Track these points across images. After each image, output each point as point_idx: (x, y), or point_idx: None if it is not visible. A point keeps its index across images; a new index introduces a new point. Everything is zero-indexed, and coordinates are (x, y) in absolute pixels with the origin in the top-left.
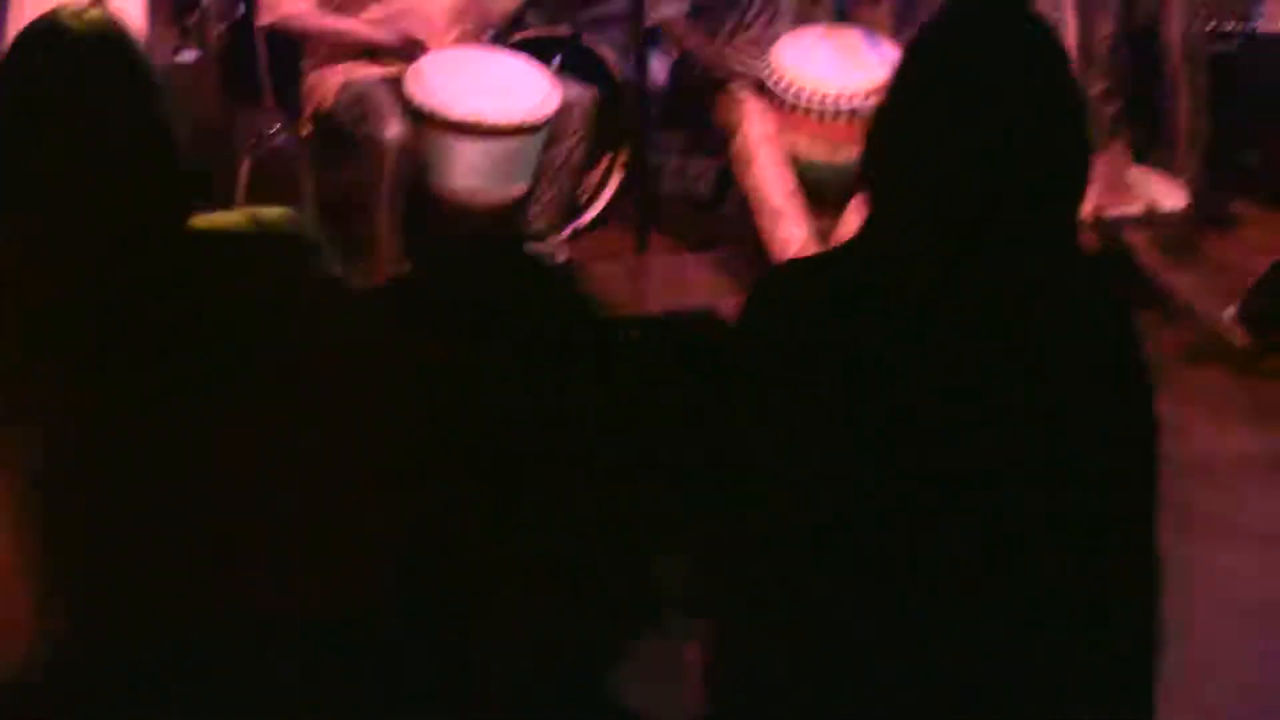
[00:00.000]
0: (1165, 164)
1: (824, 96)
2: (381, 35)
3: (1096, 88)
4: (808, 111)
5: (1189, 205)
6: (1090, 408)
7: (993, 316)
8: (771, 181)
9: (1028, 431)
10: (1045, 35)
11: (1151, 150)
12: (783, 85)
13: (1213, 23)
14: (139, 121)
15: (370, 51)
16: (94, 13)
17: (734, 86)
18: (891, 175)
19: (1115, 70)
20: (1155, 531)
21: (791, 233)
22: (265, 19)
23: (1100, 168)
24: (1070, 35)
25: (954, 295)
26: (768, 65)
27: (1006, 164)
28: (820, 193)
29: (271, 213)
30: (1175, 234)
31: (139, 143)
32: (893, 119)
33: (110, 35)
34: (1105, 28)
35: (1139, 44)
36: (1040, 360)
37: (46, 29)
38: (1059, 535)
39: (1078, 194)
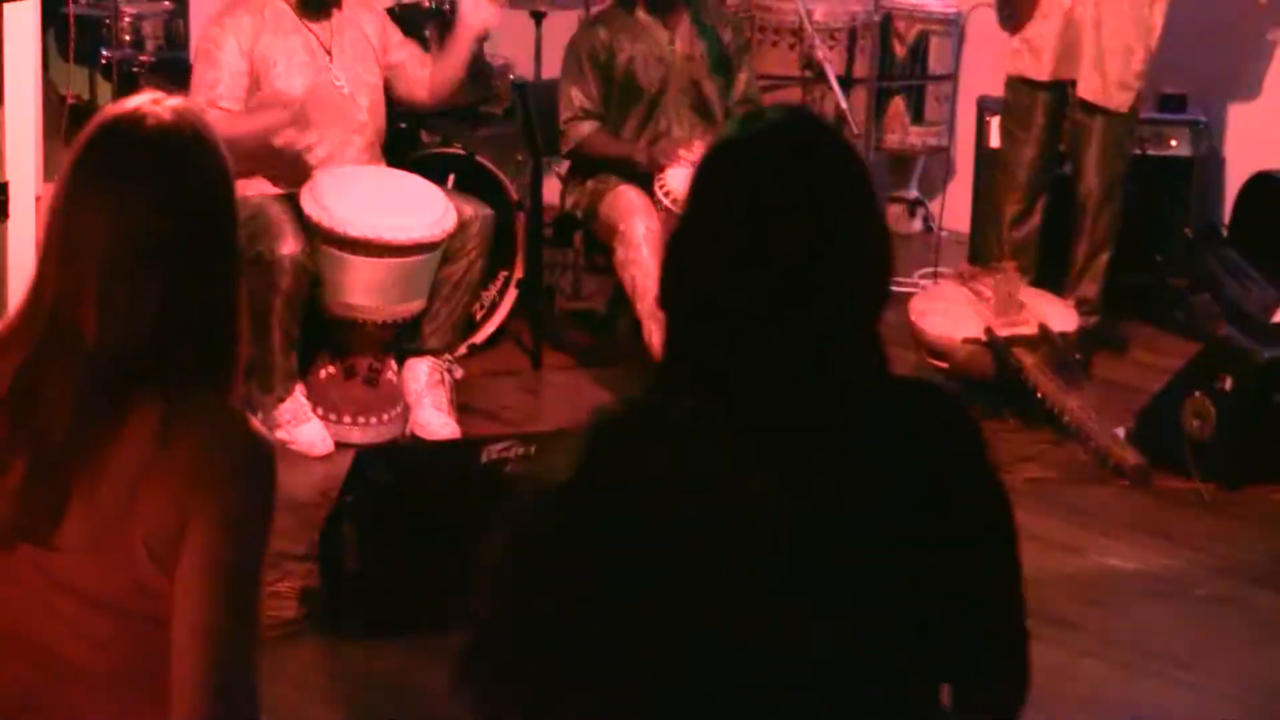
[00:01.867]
0: (1060, 285)
1: None
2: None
3: (1011, 210)
4: None
5: (1080, 326)
6: (937, 504)
7: (808, 435)
8: (654, 279)
9: (875, 545)
10: (838, 151)
11: (1048, 271)
12: (672, 198)
13: (1131, 154)
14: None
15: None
16: (174, 103)
17: (623, 188)
18: (685, 298)
19: (1031, 194)
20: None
21: None
22: None
23: (994, 288)
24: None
25: (765, 418)
26: (660, 181)
27: (798, 281)
28: None
29: None
30: (1067, 354)
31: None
32: (683, 240)
33: (190, 126)
34: (1029, 152)
35: (1055, 168)
36: (875, 474)
37: (128, 114)
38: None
39: (874, 310)
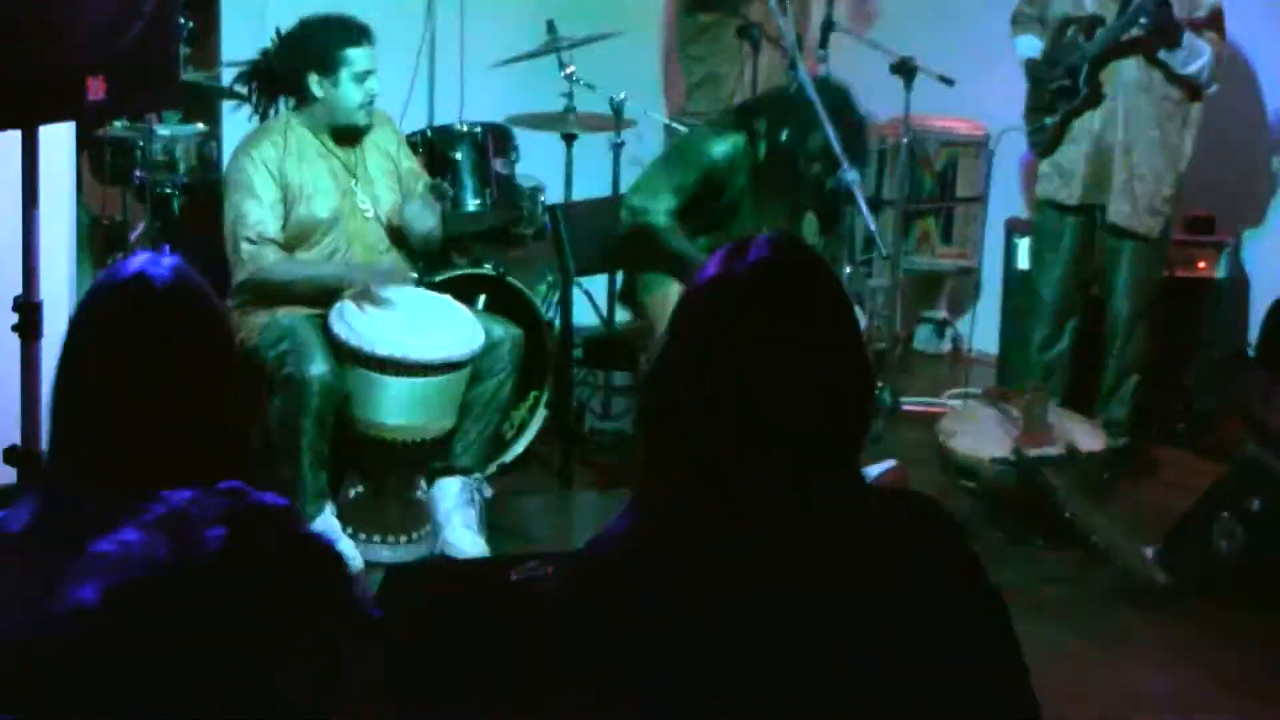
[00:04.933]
0: (1089, 406)
1: None
2: (342, 271)
3: (1041, 333)
4: None
5: (1109, 447)
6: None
7: (790, 562)
8: None
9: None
10: (822, 282)
11: (1077, 391)
12: None
13: (1161, 277)
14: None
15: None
16: (172, 262)
17: (673, 288)
18: (668, 429)
19: (1059, 316)
20: None
21: None
22: (243, 275)
23: (1023, 409)
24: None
25: (744, 551)
26: None
27: (783, 416)
28: None
29: None
30: (1095, 475)
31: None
32: (667, 373)
33: (191, 282)
34: (1057, 275)
35: (1084, 290)
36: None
37: (133, 279)
38: None
39: (855, 441)
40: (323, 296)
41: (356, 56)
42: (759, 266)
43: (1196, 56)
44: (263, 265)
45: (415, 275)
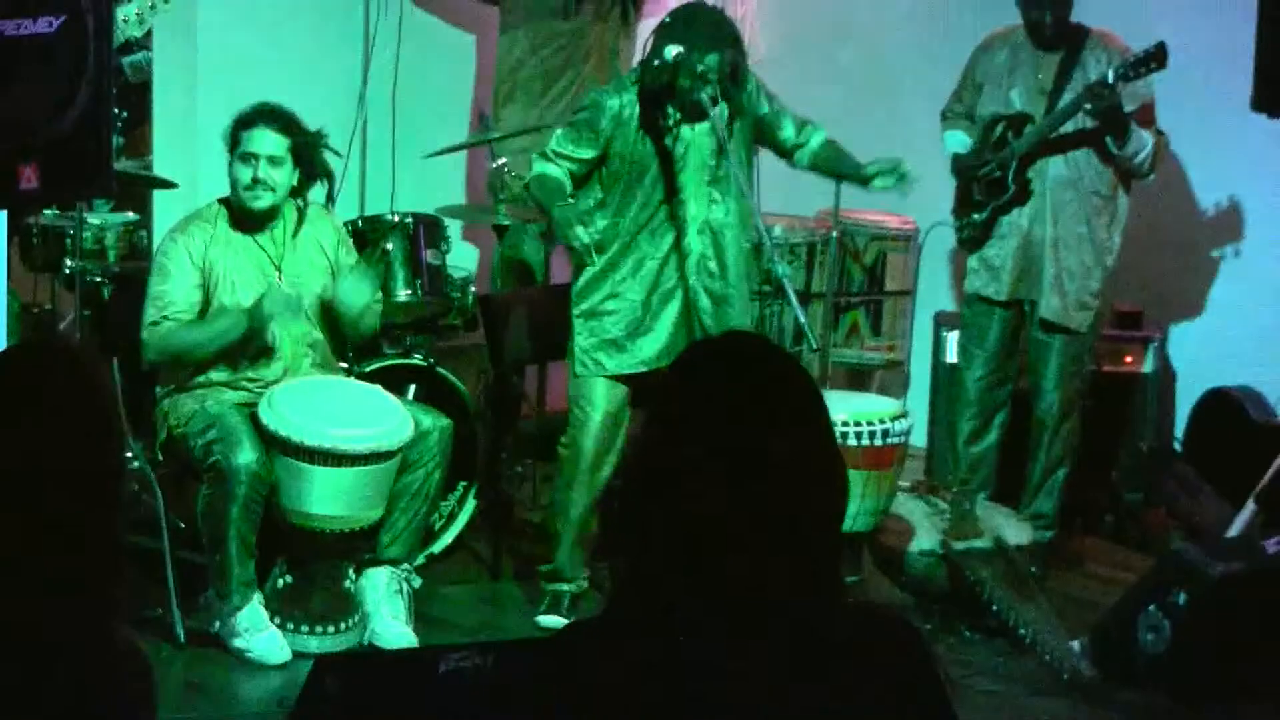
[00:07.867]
0: (1017, 499)
1: None
2: (236, 317)
3: (967, 426)
4: None
5: (1035, 540)
6: None
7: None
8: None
9: None
10: (787, 372)
11: (1006, 484)
12: None
13: (1089, 371)
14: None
15: (226, 376)
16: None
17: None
18: (641, 531)
19: (987, 410)
20: None
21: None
22: (149, 355)
23: (950, 501)
24: None
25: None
26: None
27: (759, 514)
28: None
29: None
30: (1023, 568)
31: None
32: (640, 474)
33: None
34: (984, 370)
35: (1011, 384)
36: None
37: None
38: None
39: (832, 536)
40: (243, 353)
41: (246, 137)
42: (723, 366)
43: (1142, 146)
44: (160, 340)
45: (305, 306)
